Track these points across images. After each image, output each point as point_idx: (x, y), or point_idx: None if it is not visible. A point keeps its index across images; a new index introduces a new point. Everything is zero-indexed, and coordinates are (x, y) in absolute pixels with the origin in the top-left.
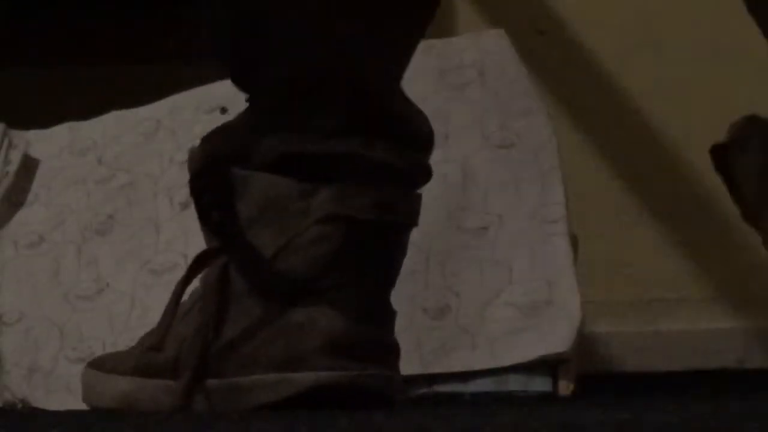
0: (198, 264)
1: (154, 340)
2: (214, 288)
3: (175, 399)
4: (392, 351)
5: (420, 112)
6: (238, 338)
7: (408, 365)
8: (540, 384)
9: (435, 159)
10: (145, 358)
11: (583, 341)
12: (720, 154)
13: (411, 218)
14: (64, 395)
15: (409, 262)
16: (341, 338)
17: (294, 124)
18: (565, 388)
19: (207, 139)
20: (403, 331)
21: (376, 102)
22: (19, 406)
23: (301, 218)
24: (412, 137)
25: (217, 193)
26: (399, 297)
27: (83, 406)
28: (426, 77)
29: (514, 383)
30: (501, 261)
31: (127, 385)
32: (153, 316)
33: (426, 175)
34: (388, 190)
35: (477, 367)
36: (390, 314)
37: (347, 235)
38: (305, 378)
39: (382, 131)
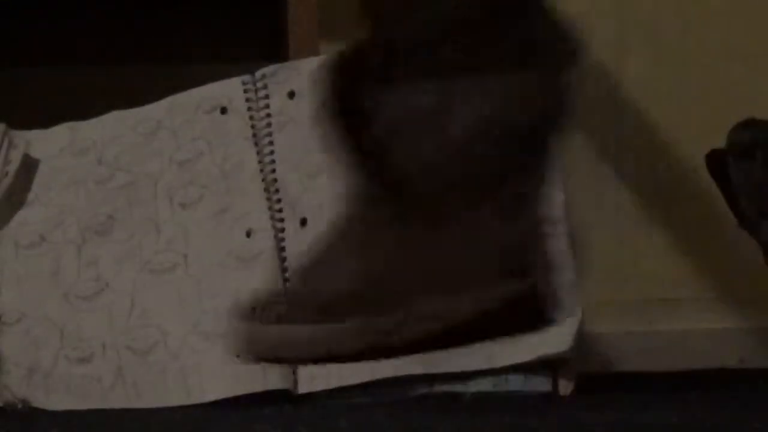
0: None
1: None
2: (357, 216)
3: (347, 340)
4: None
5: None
6: (389, 267)
7: (408, 365)
8: (540, 384)
9: None
10: (292, 302)
11: (583, 341)
12: (717, 161)
13: (560, 110)
14: (64, 395)
15: None
16: (511, 248)
17: None
18: (565, 388)
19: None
20: None
21: None
22: (19, 406)
23: None
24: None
25: None
26: None
27: (83, 406)
28: None
29: (514, 383)
30: None
31: (279, 333)
32: (153, 316)
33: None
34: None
35: (477, 367)
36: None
37: None
38: (472, 300)
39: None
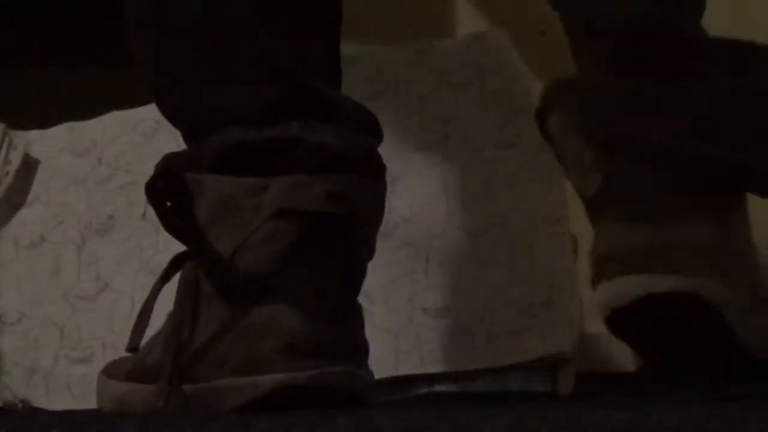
0: (175, 265)
1: (134, 342)
2: (185, 291)
3: (156, 403)
4: (357, 347)
5: (360, 105)
6: (208, 341)
7: (408, 365)
8: (540, 384)
9: (435, 159)
10: (136, 362)
11: (583, 341)
12: (542, 118)
13: (372, 210)
14: (64, 395)
15: (409, 262)
16: (300, 338)
17: (230, 116)
18: (565, 388)
19: (166, 154)
20: (403, 331)
21: (307, 86)
22: (19, 406)
23: (254, 216)
24: (355, 121)
25: (174, 198)
26: (399, 297)
27: (83, 406)
28: (426, 77)
29: (514, 383)
30: (501, 261)
31: (121, 389)
32: (153, 317)
33: (379, 164)
34: (342, 179)
35: (477, 366)
36: (355, 310)
37: (301, 230)
38: (266, 381)
39: (319, 115)
